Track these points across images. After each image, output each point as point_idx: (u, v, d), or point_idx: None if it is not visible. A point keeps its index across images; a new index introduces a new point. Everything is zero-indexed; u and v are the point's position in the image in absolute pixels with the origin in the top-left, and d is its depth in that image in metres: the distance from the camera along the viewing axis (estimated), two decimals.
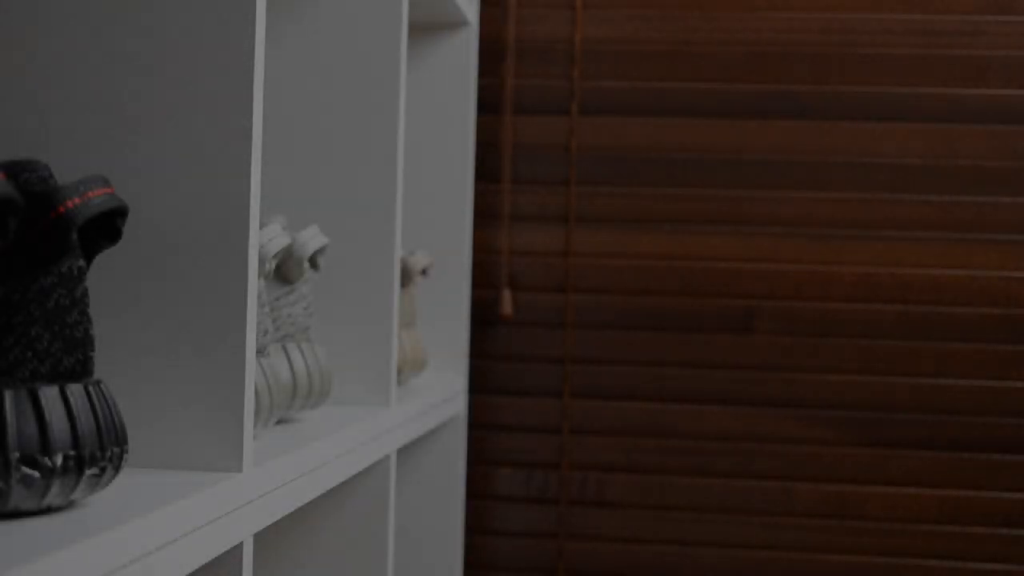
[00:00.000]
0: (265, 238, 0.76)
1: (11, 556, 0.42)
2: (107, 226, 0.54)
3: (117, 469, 0.52)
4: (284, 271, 0.84)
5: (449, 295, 1.42)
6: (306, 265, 0.85)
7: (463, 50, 1.42)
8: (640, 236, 1.50)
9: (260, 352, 0.76)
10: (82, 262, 0.52)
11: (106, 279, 0.63)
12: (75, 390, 0.50)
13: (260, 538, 1.00)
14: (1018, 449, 1.45)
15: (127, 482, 0.59)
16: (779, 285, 1.48)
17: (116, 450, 0.51)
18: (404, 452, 1.41)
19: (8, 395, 0.47)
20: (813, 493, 1.48)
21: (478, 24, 1.51)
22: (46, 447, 0.48)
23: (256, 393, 0.73)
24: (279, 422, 0.87)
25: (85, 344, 0.52)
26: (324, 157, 1.01)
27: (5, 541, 0.45)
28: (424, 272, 1.23)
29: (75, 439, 0.49)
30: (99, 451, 0.50)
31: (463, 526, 1.47)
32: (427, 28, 1.43)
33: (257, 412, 0.73)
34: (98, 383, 0.52)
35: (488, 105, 1.52)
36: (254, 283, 0.64)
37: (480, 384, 1.52)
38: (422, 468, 1.41)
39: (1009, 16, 1.46)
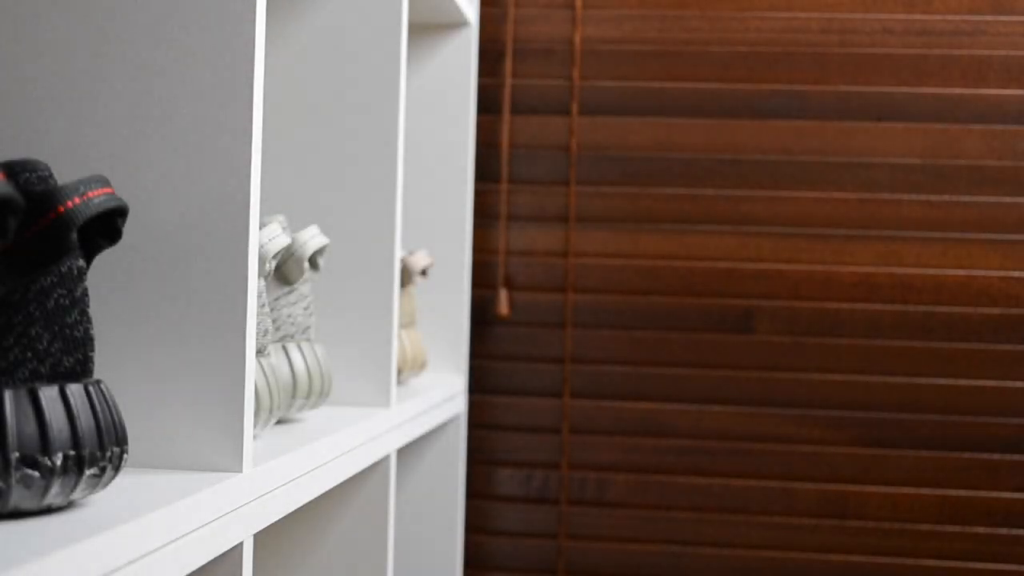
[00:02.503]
0: (265, 238, 0.76)
1: (11, 556, 0.42)
2: (107, 226, 0.54)
3: (117, 469, 0.52)
4: (284, 271, 0.84)
5: (449, 295, 1.42)
6: (306, 265, 0.85)
7: (463, 50, 1.42)
8: (640, 236, 1.50)
9: (260, 352, 0.76)
10: (82, 262, 0.52)
11: (106, 279, 0.63)
12: (75, 390, 0.50)
13: (260, 538, 1.00)
14: (1018, 449, 1.45)
15: (127, 482, 0.59)
16: (779, 285, 1.48)
17: (116, 450, 0.51)
18: (404, 452, 1.41)
19: (8, 395, 0.47)
20: (813, 493, 1.48)
21: (478, 24, 1.51)
22: (46, 447, 0.48)
23: (256, 393, 0.73)
24: (279, 422, 0.87)
25: (85, 344, 0.52)
26: (324, 157, 1.01)
27: (5, 541, 0.45)
28: (424, 272, 1.23)
29: (75, 439, 0.49)
30: (99, 451, 0.50)
31: (463, 526, 1.47)
32: (427, 28, 1.43)
33: (257, 412, 0.73)
34: (98, 383, 0.52)
35: (488, 105, 1.52)
36: (254, 283, 0.64)
37: (480, 384, 1.52)
38: (422, 468, 1.41)
39: (1009, 16, 1.46)
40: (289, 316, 0.84)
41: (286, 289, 0.84)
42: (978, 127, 1.46)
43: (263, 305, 0.76)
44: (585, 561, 1.51)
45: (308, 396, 0.84)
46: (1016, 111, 1.46)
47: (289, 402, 0.83)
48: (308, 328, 0.86)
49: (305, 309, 0.86)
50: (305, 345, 0.85)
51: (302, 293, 0.86)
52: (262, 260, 0.75)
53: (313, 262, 0.90)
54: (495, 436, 1.53)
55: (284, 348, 0.83)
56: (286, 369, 0.82)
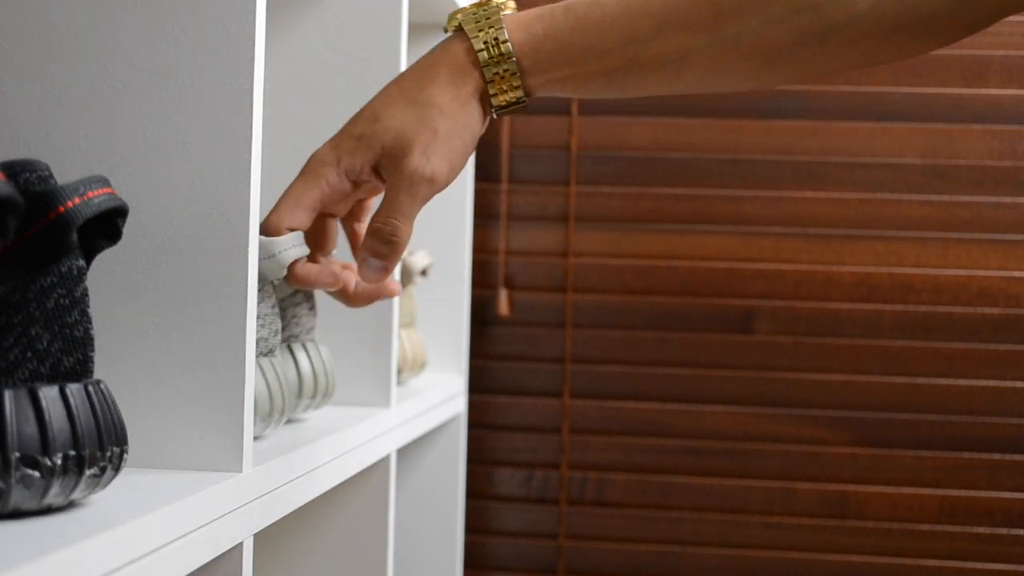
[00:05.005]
0: (287, 244, 0.76)
1: (11, 556, 0.42)
2: (107, 226, 0.54)
3: (117, 469, 0.52)
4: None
5: (449, 295, 1.42)
6: None
7: None
8: (640, 236, 1.50)
9: (270, 353, 0.76)
10: (82, 262, 0.52)
11: (106, 279, 0.63)
12: (75, 390, 0.50)
13: (260, 538, 1.00)
14: (1018, 449, 1.45)
15: (127, 482, 0.59)
16: (779, 285, 1.48)
17: (116, 450, 0.51)
18: (404, 452, 1.41)
19: (8, 395, 0.47)
20: (813, 493, 1.48)
21: None
22: (46, 447, 0.48)
23: (269, 394, 0.73)
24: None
25: (85, 344, 0.52)
26: None
27: (5, 541, 0.45)
28: (424, 272, 1.23)
29: (75, 439, 0.49)
30: (99, 451, 0.50)
31: (463, 526, 1.47)
32: (427, 28, 1.43)
33: (270, 413, 0.73)
34: (98, 383, 0.52)
35: None
36: (254, 283, 0.64)
37: (480, 384, 1.52)
38: (422, 468, 1.41)
39: (1009, 16, 1.46)
40: (295, 316, 0.84)
41: (291, 290, 0.84)
42: (978, 127, 1.46)
43: (273, 306, 0.76)
44: (585, 561, 1.51)
45: (314, 396, 0.84)
46: (1016, 111, 1.46)
47: (295, 403, 0.83)
48: (312, 328, 0.86)
49: (310, 309, 0.86)
50: (310, 345, 0.85)
51: (307, 294, 0.86)
52: (279, 266, 0.75)
53: None
54: (495, 436, 1.53)
55: (289, 348, 0.83)
56: (292, 370, 0.82)
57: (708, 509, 1.49)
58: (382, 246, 0.69)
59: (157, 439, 0.63)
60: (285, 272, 0.76)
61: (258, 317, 0.74)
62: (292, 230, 0.71)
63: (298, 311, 0.85)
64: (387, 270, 0.70)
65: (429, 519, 1.41)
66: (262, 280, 0.75)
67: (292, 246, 0.76)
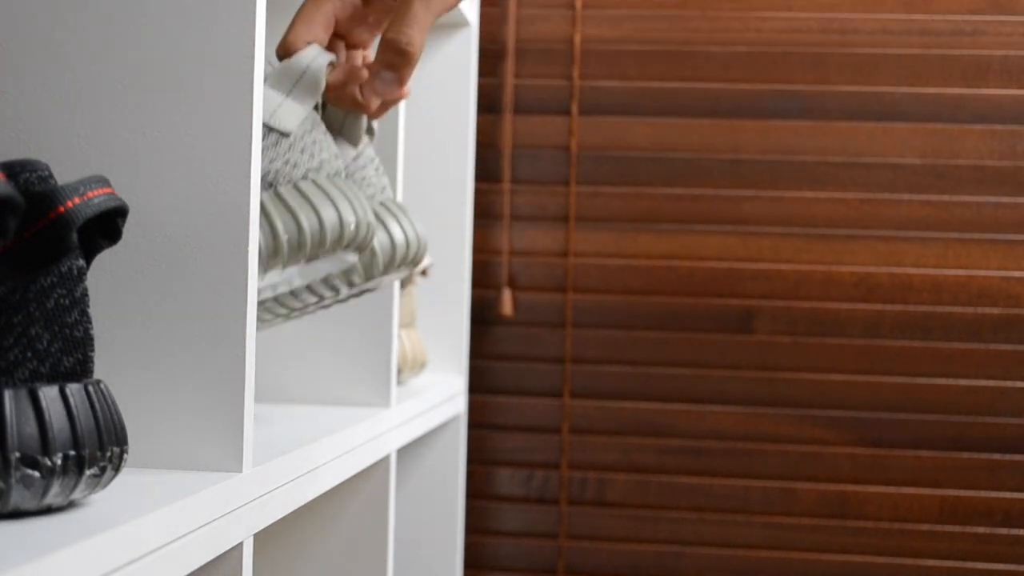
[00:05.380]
0: (311, 56, 0.74)
1: (11, 556, 0.42)
2: (107, 226, 0.54)
3: (117, 469, 0.52)
4: (345, 134, 0.83)
5: (449, 295, 1.42)
6: (363, 125, 0.83)
7: (463, 50, 1.42)
8: (640, 236, 1.50)
9: (337, 174, 0.75)
10: (82, 262, 0.52)
11: (106, 279, 0.63)
12: (75, 390, 0.50)
13: (260, 538, 1.00)
14: (1018, 449, 1.45)
15: (127, 482, 0.59)
16: (779, 285, 1.48)
17: (116, 450, 0.51)
18: (404, 452, 1.41)
19: (8, 395, 0.47)
20: (813, 493, 1.48)
21: (478, 24, 1.51)
22: (46, 447, 0.48)
23: (353, 208, 0.71)
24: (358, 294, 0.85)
25: (85, 344, 0.52)
26: None
27: (5, 541, 0.45)
28: (424, 272, 1.23)
29: (75, 439, 0.49)
30: (99, 451, 0.50)
31: (463, 526, 1.47)
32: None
33: (356, 228, 0.71)
34: (98, 383, 0.52)
35: (488, 105, 1.52)
36: (254, 283, 0.64)
37: (480, 384, 1.52)
38: (422, 468, 1.41)
39: (1009, 16, 1.46)
40: (364, 179, 0.83)
41: (353, 153, 0.83)
42: (978, 127, 1.46)
43: (325, 132, 0.75)
44: (585, 561, 1.51)
45: (405, 258, 0.82)
46: (1016, 111, 1.46)
47: (391, 265, 0.81)
48: (385, 187, 0.85)
49: (376, 170, 0.84)
50: (392, 205, 0.83)
51: (369, 156, 0.84)
52: (316, 76, 0.74)
53: (369, 128, 0.88)
54: (495, 436, 1.53)
55: (375, 214, 0.81)
56: (385, 239, 0.80)
57: (708, 509, 1.49)
58: (396, 57, 0.69)
59: (157, 439, 0.63)
60: (323, 84, 0.75)
61: (314, 142, 0.74)
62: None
63: (365, 173, 0.83)
64: (400, 82, 0.71)
65: (429, 519, 1.41)
66: (303, 107, 0.74)
67: (319, 54, 0.75)
